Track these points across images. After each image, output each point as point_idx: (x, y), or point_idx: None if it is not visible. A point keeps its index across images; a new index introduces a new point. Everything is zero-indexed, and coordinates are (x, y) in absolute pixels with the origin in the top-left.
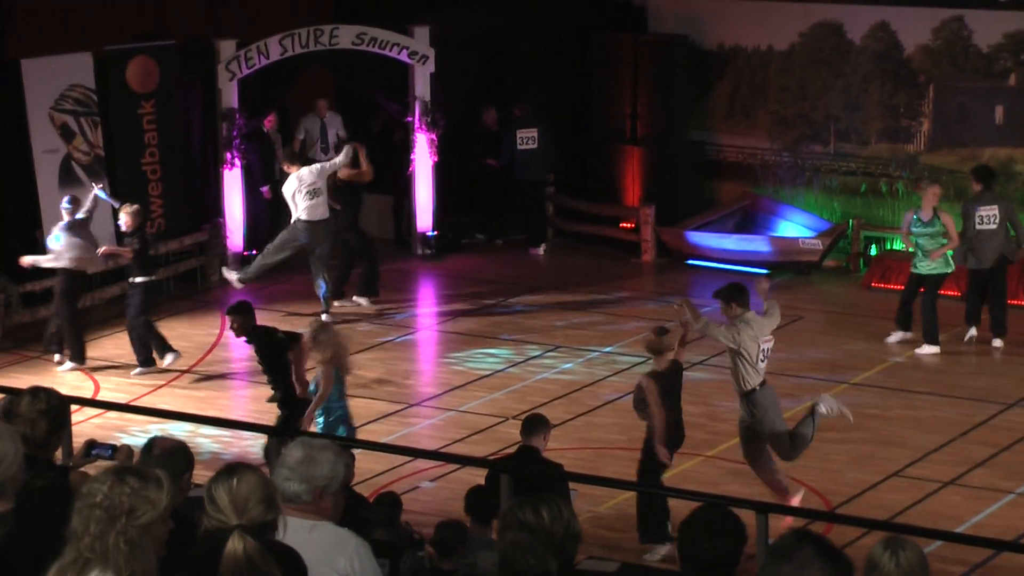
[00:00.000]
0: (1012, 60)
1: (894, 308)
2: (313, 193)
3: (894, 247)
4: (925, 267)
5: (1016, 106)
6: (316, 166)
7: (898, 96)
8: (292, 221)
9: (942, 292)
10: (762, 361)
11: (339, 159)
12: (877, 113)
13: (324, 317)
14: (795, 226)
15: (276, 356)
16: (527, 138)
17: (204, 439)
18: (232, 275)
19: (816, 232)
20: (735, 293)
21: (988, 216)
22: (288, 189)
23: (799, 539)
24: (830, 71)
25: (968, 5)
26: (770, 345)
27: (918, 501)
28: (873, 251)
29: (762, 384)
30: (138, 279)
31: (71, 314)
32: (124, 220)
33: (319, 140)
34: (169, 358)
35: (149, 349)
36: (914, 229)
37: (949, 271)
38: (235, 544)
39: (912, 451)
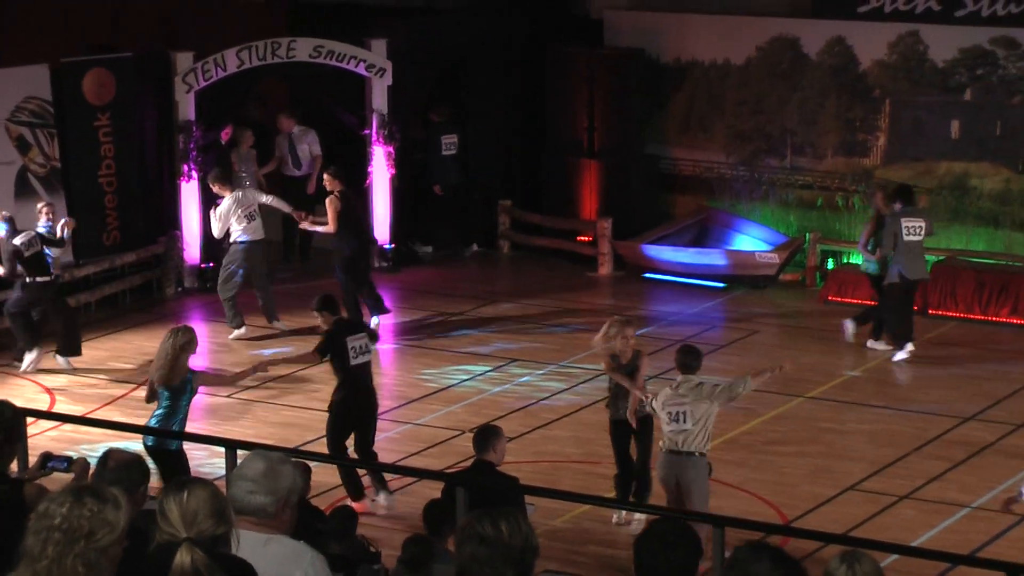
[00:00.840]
0: (967, 75)
1: None
2: (250, 216)
3: (851, 260)
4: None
5: (971, 121)
6: (251, 192)
7: (854, 110)
8: (230, 243)
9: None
10: (668, 424)
11: (273, 201)
12: (833, 127)
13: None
14: (751, 240)
15: (343, 352)
16: (450, 143)
17: None
18: (279, 324)
19: (772, 246)
20: (679, 355)
21: (914, 227)
22: (223, 208)
23: (757, 551)
24: (786, 85)
25: (924, 20)
26: (678, 410)
27: (874, 515)
28: (830, 265)
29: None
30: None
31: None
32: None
33: (288, 157)
34: (29, 356)
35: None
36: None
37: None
38: (183, 557)
39: (867, 465)
